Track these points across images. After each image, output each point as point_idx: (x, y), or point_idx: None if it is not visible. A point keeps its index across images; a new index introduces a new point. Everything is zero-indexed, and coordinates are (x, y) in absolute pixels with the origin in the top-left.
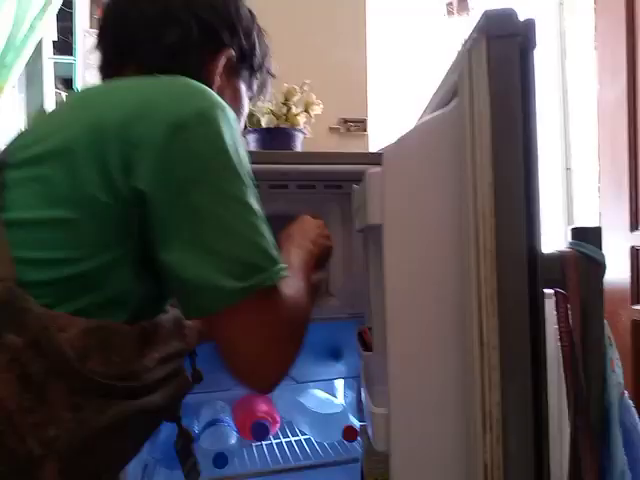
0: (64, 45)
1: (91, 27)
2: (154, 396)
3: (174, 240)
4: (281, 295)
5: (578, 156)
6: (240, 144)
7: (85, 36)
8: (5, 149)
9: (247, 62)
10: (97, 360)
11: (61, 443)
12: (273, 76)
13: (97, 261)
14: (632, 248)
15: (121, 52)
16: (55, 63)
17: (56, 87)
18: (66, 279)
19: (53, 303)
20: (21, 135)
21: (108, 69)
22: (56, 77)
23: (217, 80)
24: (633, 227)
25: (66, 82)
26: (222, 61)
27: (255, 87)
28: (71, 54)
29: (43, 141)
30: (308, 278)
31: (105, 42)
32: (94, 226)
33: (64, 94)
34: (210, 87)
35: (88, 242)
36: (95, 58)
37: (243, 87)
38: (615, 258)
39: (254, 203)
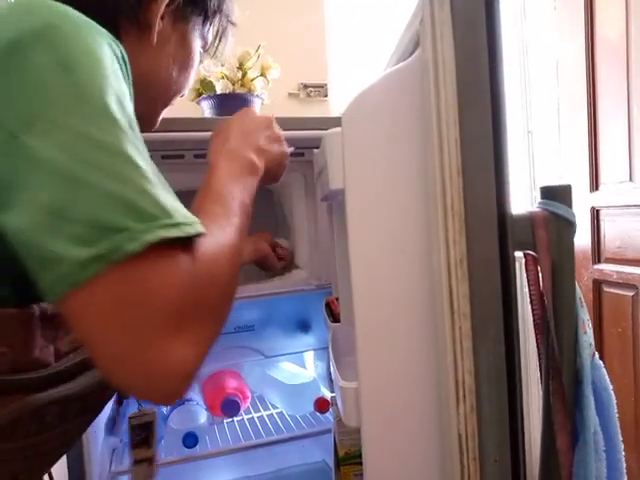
0: None
1: None
2: (72, 383)
3: (9, 197)
4: (173, 264)
5: (538, 118)
6: (113, 71)
7: None
8: None
9: (198, 5)
10: None
11: None
12: (233, 24)
13: None
14: (592, 209)
15: None
16: None
17: None
18: None
19: None
20: None
21: None
22: None
23: (157, 23)
24: (593, 188)
25: None
26: (164, 1)
27: (209, 36)
28: None
29: None
30: (244, 214)
31: None
32: None
33: None
34: (149, 31)
35: None
36: None
37: (193, 36)
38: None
39: (120, 141)
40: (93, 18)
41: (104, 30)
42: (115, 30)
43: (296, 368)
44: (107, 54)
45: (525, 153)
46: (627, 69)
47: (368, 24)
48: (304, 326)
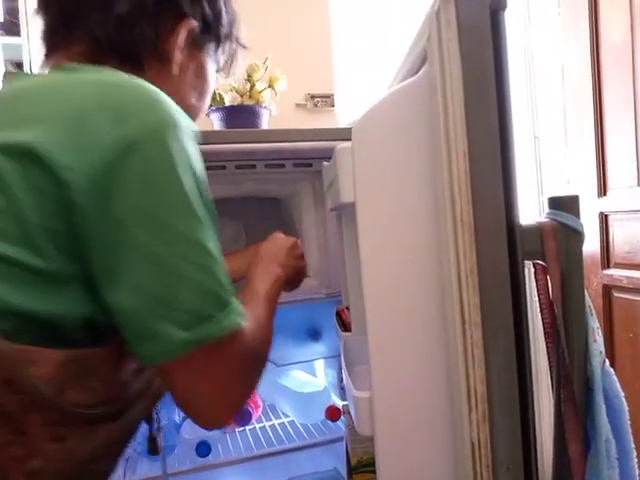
0: (11, 26)
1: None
2: (134, 409)
3: (115, 278)
4: (235, 341)
5: (545, 124)
6: (196, 164)
7: (34, 16)
8: None
9: (212, 33)
10: (76, 390)
11: (47, 474)
12: (244, 47)
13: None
14: (601, 214)
15: (67, 20)
16: (3, 45)
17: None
18: (31, 316)
19: (22, 334)
20: None
21: (53, 37)
22: (6, 61)
23: (177, 56)
24: (601, 193)
25: (18, 66)
26: (183, 34)
27: (222, 60)
28: (19, 35)
29: None
30: (271, 306)
31: (49, 6)
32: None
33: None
34: (169, 63)
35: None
36: (38, 24)
37: (208, 62)
38: (584, 224)
39: (206, 239)
40: (119, 55)
41: (183, 115)
42: (139, 64)
43: (307, 376)
44: (191, 143)
45: (532, 158)
46: (633, 73)
47: (374, 34)
48: (314, 334)
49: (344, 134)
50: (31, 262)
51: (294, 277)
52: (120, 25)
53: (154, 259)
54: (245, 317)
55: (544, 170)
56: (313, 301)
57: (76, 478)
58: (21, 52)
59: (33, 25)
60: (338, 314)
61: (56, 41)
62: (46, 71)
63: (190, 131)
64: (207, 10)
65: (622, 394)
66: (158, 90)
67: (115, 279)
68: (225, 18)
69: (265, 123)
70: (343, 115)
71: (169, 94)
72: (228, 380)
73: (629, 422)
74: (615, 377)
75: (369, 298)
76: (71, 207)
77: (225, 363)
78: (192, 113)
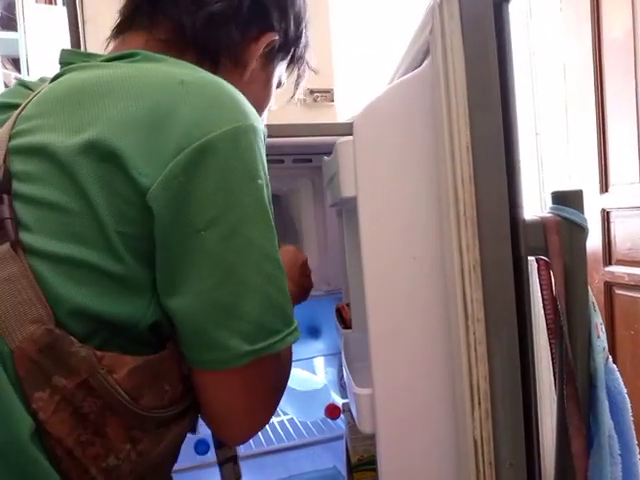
0: (8, 21)
1: (37, 1)
2: (194, 409)
3: (180, 284)
4: (284, 356)
5: (546, 120)
6: (266, 171)
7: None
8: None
9: (288, 51)
10: (150, 395)
11: (121, 472)
12: (314, 71)
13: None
14: (602, 210)
15: (156, 1)
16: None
17: (5, 67)
18: (100, 320)
19: (93, 338)
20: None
21: (135, 15)
22: (2, 56)
23: (253, 63)
24: (602, 189)
25: (15, 62)
26: (263, 44)
27: (284, 79)
28: (15, 30)
29: (37, 150)
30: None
31: None
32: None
33: (14, 75)
34: (243, 69)
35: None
36: (44, 32)
37: (275, 76)
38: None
39: (277, 252)
40: (199, 51)
41: (261, 123)
42: (215, 63)
43: (306, 374)
44: (264, 154)
45: (533, 155)
46: (635, 68)
47: (374, 29)
48: (314, 332)
49: (344, 129)
50: (110, 267)
51: (302, 295)
52: (211, 21)
53: (224, 266)
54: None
55: (545, 167)
56: (312, 298)
57: (147, 477)
58: (17, 47)
59: (30, 20)
60: (338, 311)
61: (137, 20)
62: (111, 48)
63: (264, 137)
64: (291, 29)
65: (625, 390)
66: (240, 94)
67: (181, 284)
68: (303, 40)
69: (264, 118)
70: (343, 110)
71: None
72: (266, 396)
73: (632, 419)
74: (618, 373)
75: (370, 294)
76: (146, 212)
77: (270, 379)
78: None
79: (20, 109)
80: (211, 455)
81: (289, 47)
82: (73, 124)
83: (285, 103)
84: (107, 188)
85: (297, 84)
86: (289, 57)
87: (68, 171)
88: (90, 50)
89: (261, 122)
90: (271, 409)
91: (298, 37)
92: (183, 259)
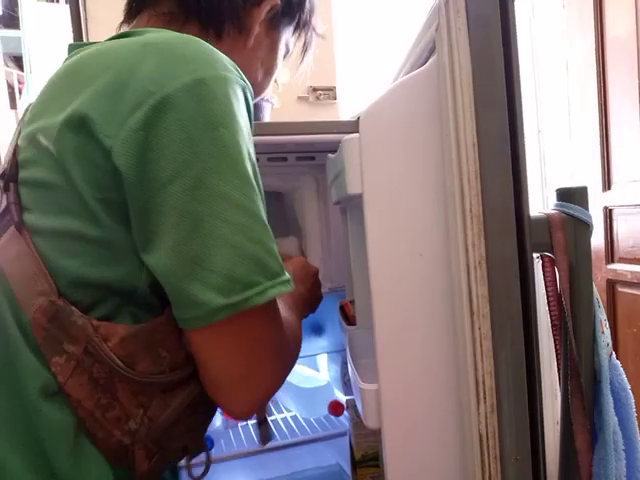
0: (10, 19)
1: None
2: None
3: (153, 241)
4: (273, 313)
5: (549, 118)
6: (245, 126)
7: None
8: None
9: (292, 16)
10: (146, 362)
11: (142, 434)
12: (321, 37)
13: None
14: (605, 208)
15: None
16: (2, 38)
17: (6, 65)
18: (102, 287)
19: (92, 308)
20: (27, 117)
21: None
22: (4, 54)
23: (256, 28)
24: (605, 187)
25: (17, 60)
26: (266, 8)
27: (292, 46)
28: (17, 28)
29: (33, 136)
30: (299, 320)
31: None
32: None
33: (16, 72)
34: (247, 35)
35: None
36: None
37: (281, 43)
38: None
39: (253, 203)
40: (202, 20)
41: (243, 80)
42: (218, 32)
43: (310, 371)
44: (242, 107)
45: (536, 152)
46: (637, 65)
47: (375, 26)
48: (317, 329)
49: (348, 127)
50: (96, 235)
51: (314, 304)
52: None
53: (191, 218)
54: (293, 286)
55: (548, 164)
56: (307, 314)
57: (166, 438)
58: (20, 45)
59: (32, 18)
60: (342, 308)
61: (144, 2)
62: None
63: (244, 89)
64: None
65: (629, 386)
66: (209, 47)
67: (154, 240)
68: (307, 5)
69: (267, 116)
70: (345, 108)
71: (239, 63)
72: (263, 360)
73: (636, 415)
74: (622, 369)
75: (376, 290)
76: (118, 176)
77: (263, 339)
78: (256, 89)
79: (33, 104)
80: (214, 452)
81: (293, 12)
82: (59, 105)
83: (288, 101)
84: (83, 159)
85: (304, 52)
86: (295, 23)
87: (52, 149)
88: None
89: (236, 73)
90: (273, 377)
91: (302, 1)
92: (153, 215)
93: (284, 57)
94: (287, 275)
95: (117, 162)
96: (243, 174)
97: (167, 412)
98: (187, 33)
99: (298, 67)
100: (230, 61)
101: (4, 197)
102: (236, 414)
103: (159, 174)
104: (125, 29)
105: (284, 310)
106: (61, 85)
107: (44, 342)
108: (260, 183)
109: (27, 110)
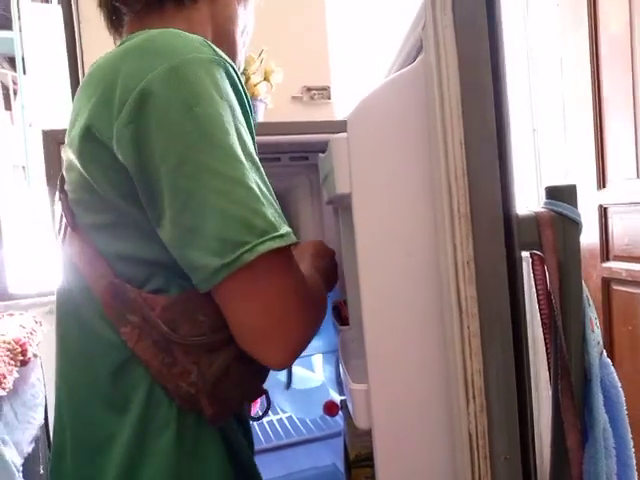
0: (4, 21)
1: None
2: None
3: (159, 218)
4: (282, 265)
5: (543, 116)
6: (226, 99)
7: (28, 10)
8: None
9: None
10: (186, 327)
11: (201, 385)
12: None
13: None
14: (600, 206)
15: None
16: None
17: (1, 66)
18: (149, 263)
19: (146, 282)
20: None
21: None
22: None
23: None
24: (600, 185)
25: (12, 61)
26: None
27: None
28: (11, 29)
29: (66, 149)
30: (321, 284)
31: None
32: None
33: (11, 74)
34: None
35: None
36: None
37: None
38: (583, 217)
39: (236, 170)
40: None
41: (218, 56)
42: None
43: (305, 372)
44: (220, 82)
45: (530, 151)
46: (632, 64)
47: (369, 25)
48: None
49: (341, 126)
50: (124, 222)
51: (331, 283)
52: None
53: (182, 192)
54: (294, 239)
55: (543, 163)
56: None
57: (222, 390)
58: (13, 46)
59: (26, 19)
60: (335, 308)
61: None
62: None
63: (212, 66)
64: None
65: (619, 384)
66: (180, 34)
67: (160, 217)
68: None
69: (261, 116)
70: (340, 108)
71: (221, 25)
72: (282, 310)
73: (627, 412)
74: (612, 368)
75: (365, 289)
76: (124, 170)
77: (275, 290)
78: (237, 46)
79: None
80: None
81: None
82: (78, 118)
83: (282, 101)
84: (99, 164)
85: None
86: None
87: (77, 160)
88: (85, 49)
89: (210, 52)
90: (302, 325)
91: None
92: (155, 196)
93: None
94: (280, 231)
95: (120, 157)
96: (224, 146)
97: (213, 368)
98: (167, 13)
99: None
100: (203, 41)
101: (59, 204)
102: (274, 365)
103: (152, 160)
104: (118, 40)
105: (307, 269)
106: (80, 97)
107: (113, 316)
108: (253, 154)
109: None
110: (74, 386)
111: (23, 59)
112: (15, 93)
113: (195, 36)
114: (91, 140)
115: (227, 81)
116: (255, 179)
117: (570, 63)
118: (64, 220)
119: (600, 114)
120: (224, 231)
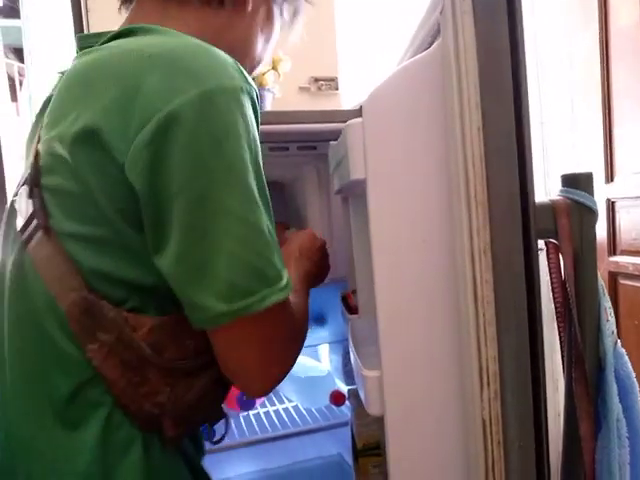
0: (10, 11)
1: None
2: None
3: (162, 247)
4: (282, 312)
5: (551, 110)
6: (247, 134)
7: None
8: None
9: None
10: (172, 350)
11: (168, 407)
12: (310, 2)
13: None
14: (608, 200)
15: None
16: (2, 29)
17: (7, 57)
18: (128, 284)
19: (123, 302)
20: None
21: None
22: (5, 46)
23: None
24: (608, 179)
25: (18, 52)
26: None
27: (286, 12)
28: (16, 18)
29: (51, 144)
30: (305, 298)
31: None
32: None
33: (17, 64)
34: (244, 3)
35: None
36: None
37: (276, 11)
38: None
39: (254, 215)
40: None
41: (248, 83)
42: (217, 2)
43: (311, 361)
44: (247, 113)
45: (539, 144)
46: None
47: (378, 16)
48: (319, 319)
49: (350, 116)
50: (112, 239)
51: (321, 276)
52: None
53: (196, 230)
54: (291, 287)
55: (550, 156)
56: (317, 286)
57: (190, 411)
58: (20, 36)
59: (33, 8)
60: (344, 298)
61: None
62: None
63: (247, 92)
64: None
65: (633, 374)
66: (212, 53)
67: (163, 247)
68: None
69: (268, 106)
70: (347, 99)
71: (240, 29)
72: (276, 355)
73: None
74: (627, 358)
75: (379, 277)
76: (131, 187)
77: (273, 338)
78: (257, 58)
79: (50, 105)
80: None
81: None
82: (73, 113)
83: (290, 92)
84: (99, 172)
85: (294, 16)
86: None
87: (68, 159)
88: None
89: (240, 77)
90: (287, 362)
91: None
92: (163, 224)
93: (282, 27)
94: (285, 280)
95: (129, 176)
96: (246, 187)
97: (192, 392)
98: (187, 7)
99: (289, 34)
100: (234, 63)
101: (30, 202)
102: (254, 394)
103: (167, 187)
104: (124, 12)
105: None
106: (74, 92)
107: (79, 331)
108: (265, 190)
109: (43, 111)
110: (21, 397)
111: (30, 49)
112: (21, 84)
113: (226, 57)
114: (93, 144)
115: (251, 108)
116: (266, 221)
117: (579, 56)
118: (35, 220)
119: (609, 108)
120: (234, 276)
